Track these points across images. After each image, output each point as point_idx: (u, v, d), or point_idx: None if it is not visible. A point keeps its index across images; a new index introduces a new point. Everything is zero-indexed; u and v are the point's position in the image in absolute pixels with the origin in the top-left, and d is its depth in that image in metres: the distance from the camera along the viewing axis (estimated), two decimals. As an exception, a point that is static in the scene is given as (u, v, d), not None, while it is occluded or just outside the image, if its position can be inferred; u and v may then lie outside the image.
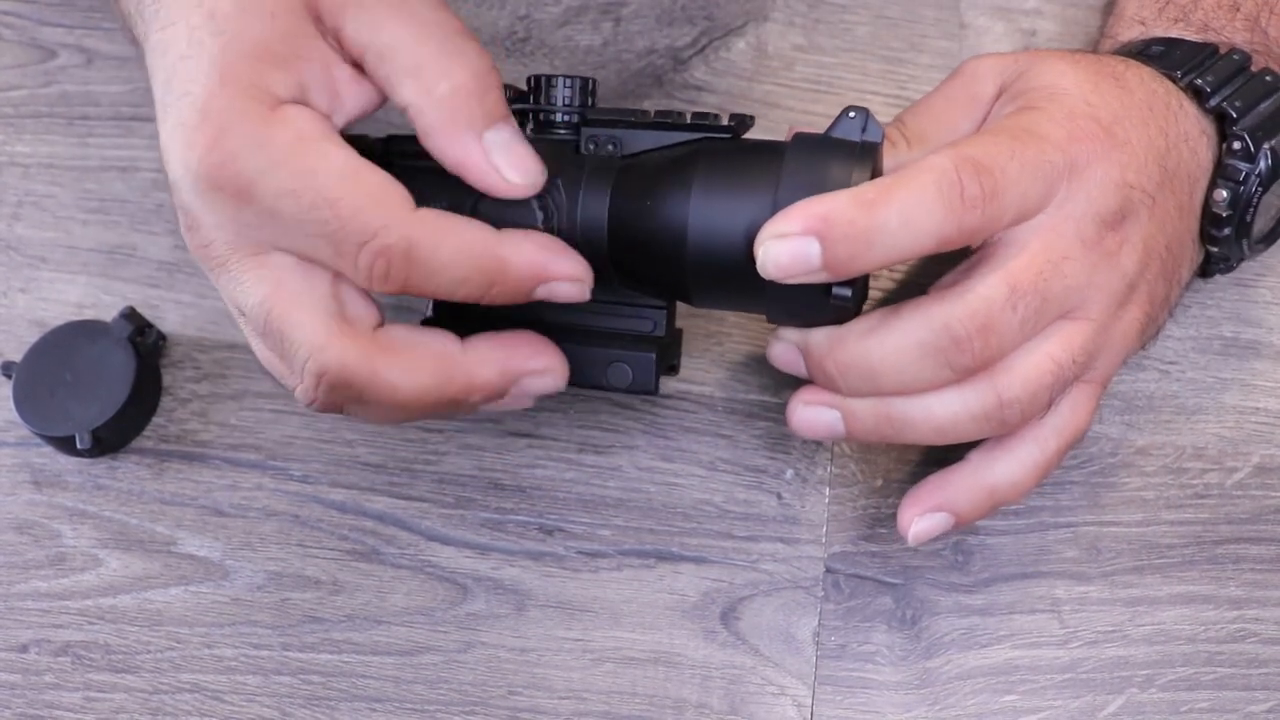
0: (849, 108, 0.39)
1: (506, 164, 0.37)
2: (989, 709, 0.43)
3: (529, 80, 0.41)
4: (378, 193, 0.35)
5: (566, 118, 0.41)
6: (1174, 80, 0.43)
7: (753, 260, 0.37)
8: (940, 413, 0.39)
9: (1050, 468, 0.41)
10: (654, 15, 0.58)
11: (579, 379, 0.41)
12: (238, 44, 0.35)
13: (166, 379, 0.49)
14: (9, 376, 0.47)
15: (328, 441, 0.48)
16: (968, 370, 0.38)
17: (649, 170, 0.39)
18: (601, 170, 0.39)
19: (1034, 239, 0.38)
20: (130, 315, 0.47)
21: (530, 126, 0.41)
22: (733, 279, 0.39)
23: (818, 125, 0.55)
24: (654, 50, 0.57)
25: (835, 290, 0.37)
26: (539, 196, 0.38)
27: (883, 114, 0.55)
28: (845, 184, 0.37)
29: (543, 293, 0.38)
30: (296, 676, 0.43)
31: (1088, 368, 0.40)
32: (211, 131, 0.35)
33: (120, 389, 0.46)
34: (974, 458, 0.42)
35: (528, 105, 0.41)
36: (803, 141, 0.39)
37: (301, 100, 0.36)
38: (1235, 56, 0.43)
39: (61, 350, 0.47)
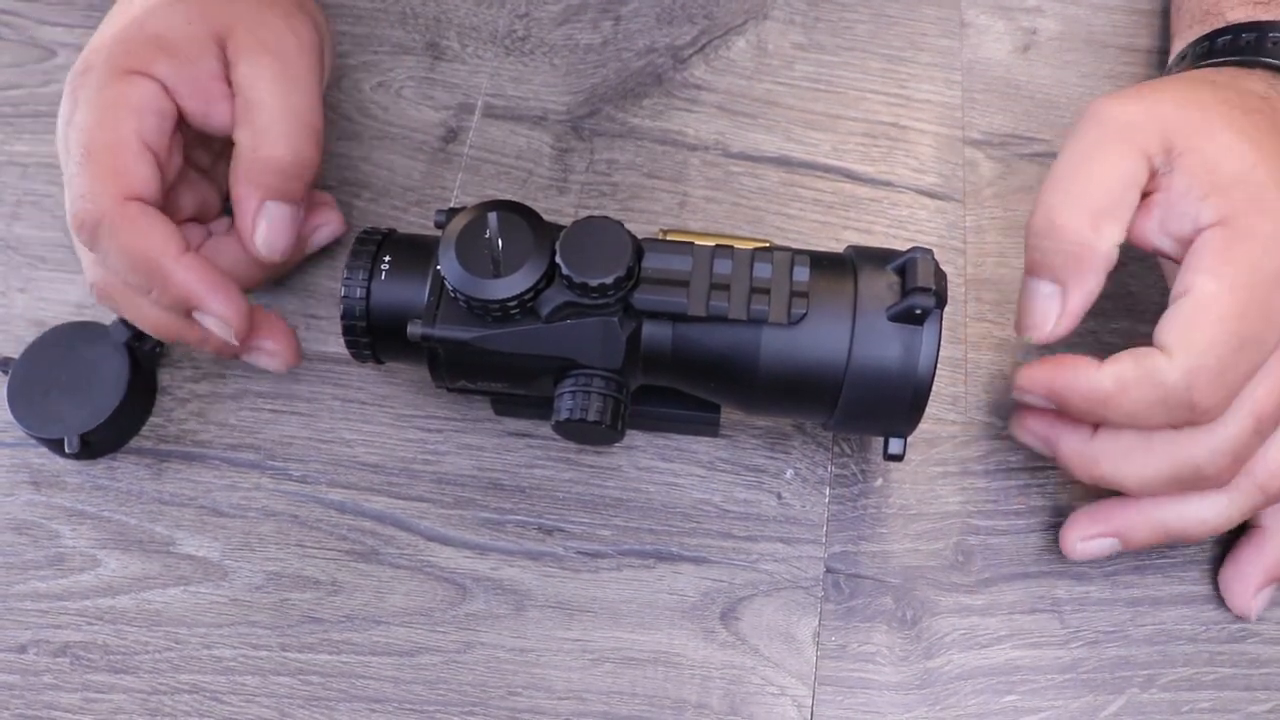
0: (915, 249, 0.40)
1: (265, 228, 0.45)
2: (989, 709, 0.43)
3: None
4: (115, 170, 0.42)
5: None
6: None
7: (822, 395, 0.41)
8: (1214, 519, 0.41)
9: (1247, 515, 0.42)
10: (654, 14, 0.58)
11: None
12: (147, 22, 0.45)
13: (165, 379, 0.49)
14: (5, 372, 0.47)
15: (327, 441, 0.47)
16: (1219, 487, 0.41)
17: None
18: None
19: (1275, 362, 0.39)
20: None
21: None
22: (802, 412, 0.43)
23: (817, 124, 0.55)
24: (654, 49, 0.57)
25: (891, 447, 0.42)
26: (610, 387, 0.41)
27: (883, 113, 0.55)
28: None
29: (198, 318, 0.44)
30: (295, 677, 0.43)
31: None
32: (86, 64, 0.45)
33: (112, 395, 0.46)
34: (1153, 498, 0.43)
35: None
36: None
37: (172, 88, 0.44)
38: None
39: (59, 350, 0.47)
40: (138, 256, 0.42)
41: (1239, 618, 0.44)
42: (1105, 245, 0.39)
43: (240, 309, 0.44)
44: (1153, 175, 0.40)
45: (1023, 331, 0.42)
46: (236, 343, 0.45)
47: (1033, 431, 0.44)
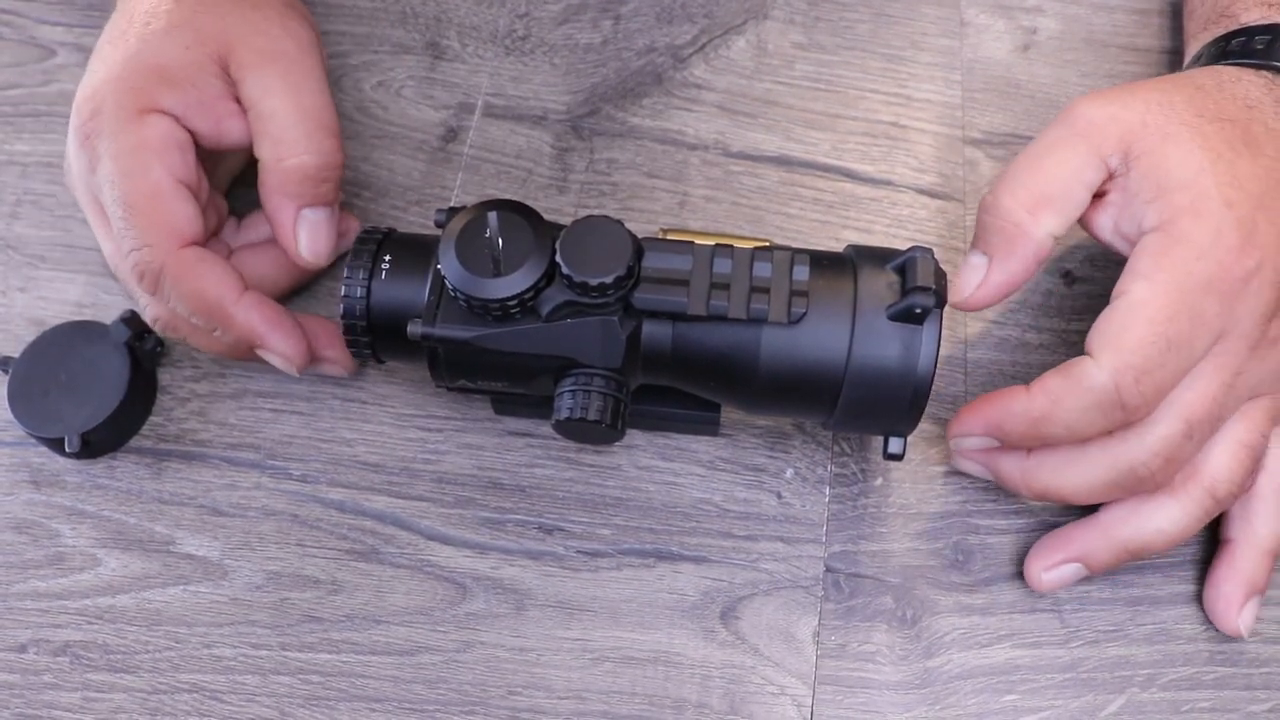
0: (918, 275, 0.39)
1: (305, 236, 0.45)
2: (989, 709, 0.43)
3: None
4: (163, 218, 0.43)
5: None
6: None
7: (822, 396, 0.41)
8: (1170, 529, 0.42)
9: (1203, 521, 0.42)
10: (654, 13, 0.58)
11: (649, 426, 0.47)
12: (146, 56, 0.44)
13: (165, 378, 0.49)
14: (5, 372, 0.47)
15: (327, 441, 0.47)
16: (1157, 488, 0.41)
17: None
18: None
19: (1207, 367, 0.39)
20: (130, 320, 0.47)
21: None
22: (800, 410, 0.42)
23: (817, 123, 0.55)
24: (654, 48, 0.57)
25: (891, 447, 0.42)
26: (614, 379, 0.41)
27: (883, 112, 0.55)
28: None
29: (262, 354, 0.45)
30: (295, 676, 0.43)
31: (1277, 423, 0.42)
32: (91, 107, 0.44)
33: (113, 394, 0.46)
34: (1108, 515, 0.43)
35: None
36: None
37: (182, 116, 0.44)
38: None
39: (59, 350, 0.47)
40: (200, 302, 0.43)
41: (1230, 637, 0.44)
42: (1039, 232, 0.41)
43: (300, 345, 0.45)
44: (1111, 176, 0.41)
45: (950, 295, 0.44)
46: (298, 375, 0.46)
47: (971, 457, 0.45)
